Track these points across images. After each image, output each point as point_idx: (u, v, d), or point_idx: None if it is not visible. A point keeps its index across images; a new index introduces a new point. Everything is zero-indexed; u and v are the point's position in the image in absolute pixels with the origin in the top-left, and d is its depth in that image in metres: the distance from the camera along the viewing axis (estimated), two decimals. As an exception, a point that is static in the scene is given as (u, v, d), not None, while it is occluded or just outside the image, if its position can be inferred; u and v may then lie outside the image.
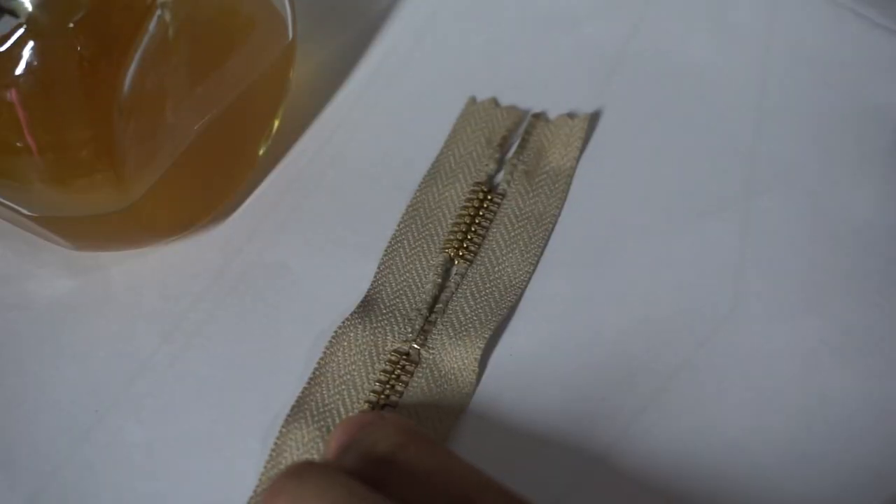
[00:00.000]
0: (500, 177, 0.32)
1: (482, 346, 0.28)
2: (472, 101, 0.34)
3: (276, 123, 0.33)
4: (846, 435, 0.27)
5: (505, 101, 0.34)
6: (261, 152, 0.33)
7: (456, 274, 0.30)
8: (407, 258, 0.30)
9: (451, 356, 0.28)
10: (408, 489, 0.23)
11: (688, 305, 0.29)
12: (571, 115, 0.33)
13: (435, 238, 0.31)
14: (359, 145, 0.33)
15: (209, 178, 0.31)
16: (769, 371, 0.28)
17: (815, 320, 0.29)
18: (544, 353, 0.28)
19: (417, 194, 0.32)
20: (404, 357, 0.28)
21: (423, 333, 0.29)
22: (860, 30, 0.34)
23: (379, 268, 0.30)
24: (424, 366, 0.28)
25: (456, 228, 0.31)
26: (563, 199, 0.31)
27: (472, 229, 0.31)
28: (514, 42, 0.36)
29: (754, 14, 0.36)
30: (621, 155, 0.32)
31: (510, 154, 0.32)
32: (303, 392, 0.28)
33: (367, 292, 0.30)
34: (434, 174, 0.32)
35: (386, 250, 0.31)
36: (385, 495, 0.23)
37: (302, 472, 0.23)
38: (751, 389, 0.28)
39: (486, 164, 0.32)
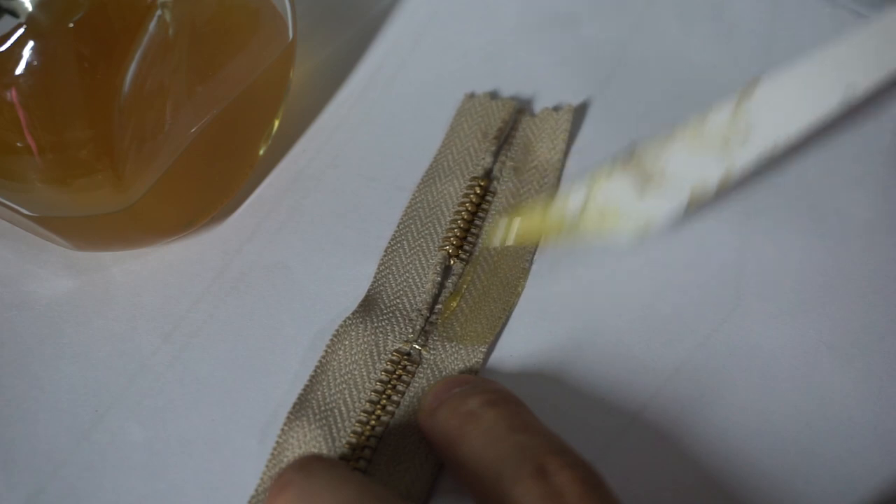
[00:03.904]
0: (494, 172, 0.32)
1: (483, 347, 0.28)
2: (469, 96, 0.34)
3: (276, 123, 0.33)
4: (846, 434, 0.27)
5: (504, 101, 0.34)
6: (261, 152, 0.33)
7: (454, 274, 0.30)
8: (407, 258, 0.30)
9: (452, 357, 0.28)
10: (484, 445, 0.24)
11: (688, 305, 0.29)
12: (556, 108, 0.33)
13: (434, 237, 0.31)
14: (358, 145, 0.33)
15: (209, 178, 0.31)
16: (769, 371, 0.28)
17: (815, 320, 0.29)
18: (544, 354, 0.28)
19: (416, 193, 0.32)
20: (406, 357, 0.28)
21: (425, 334, 0.29)
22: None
23: (379, 268, 0.30)
24: (426, 366, 0.28)
25: (454, 225, 0.31)
26: (554, 194, 0.31)
27: (471, 229, 0.31)
28: (514, 43, 0.36)
29: (754, 14, 0.36)
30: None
31: (502, 149, 0.32)
32: (304, 391, 0.28)
33: (368, 292, 0.30)
34: (433, 172, 0.32)
35: (386, 250, 0.30)
36: (462, 447, 0.24)
37: (310, 465, 0.23)
38: (751, 389, 0.28)
39: (483, 158, 0.32)
